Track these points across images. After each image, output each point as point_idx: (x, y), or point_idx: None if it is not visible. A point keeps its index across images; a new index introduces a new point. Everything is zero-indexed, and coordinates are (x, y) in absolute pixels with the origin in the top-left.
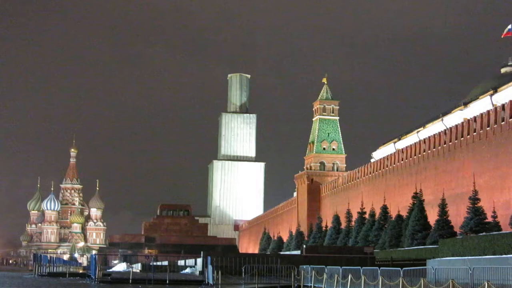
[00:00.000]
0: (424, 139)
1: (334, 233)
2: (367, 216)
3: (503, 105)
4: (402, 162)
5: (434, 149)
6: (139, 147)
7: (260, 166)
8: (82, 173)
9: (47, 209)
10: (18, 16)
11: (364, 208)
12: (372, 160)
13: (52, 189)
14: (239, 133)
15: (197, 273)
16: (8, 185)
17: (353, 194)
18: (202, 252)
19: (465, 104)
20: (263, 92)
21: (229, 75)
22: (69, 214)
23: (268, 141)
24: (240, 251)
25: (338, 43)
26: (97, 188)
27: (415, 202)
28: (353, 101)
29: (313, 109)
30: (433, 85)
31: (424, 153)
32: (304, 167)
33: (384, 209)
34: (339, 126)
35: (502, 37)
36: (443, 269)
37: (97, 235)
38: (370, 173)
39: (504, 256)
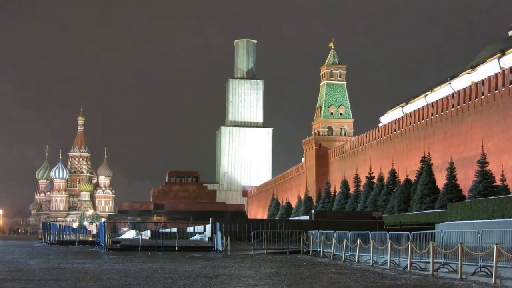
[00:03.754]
0: (432, 103)
1: (342, 198)
2: (375, 180)
3: (510, 68)
4: (410, 126)
5: (442, 113)
6: (147, 114)
7: (268, 132)
8: (90, 141)
9: (56, 178)
10: None
11: (372, 172)
12: (380, 125)
13: (60, 157)
14: (246, 99)
15: (206, 239)
16: (17, 154)
17: (361, 158)
18: (211, 219)
19: (473, 67)
20: (270, 58)
21: (235, 41)
22: (77, 182)
23: (275, 107)
24: (249, 217)
25: (345, 7)
26: (105, 156)
27: (423, 166)
28: (361, 65)
29: (320, 74)
30: (440, 48)
31: (432, 117)
32: (312, 132)
33: (393, 173)
34: (346, 91)
35: None
36: (452, 232)
37: (106, 203)
38: (378, 138)
39: None
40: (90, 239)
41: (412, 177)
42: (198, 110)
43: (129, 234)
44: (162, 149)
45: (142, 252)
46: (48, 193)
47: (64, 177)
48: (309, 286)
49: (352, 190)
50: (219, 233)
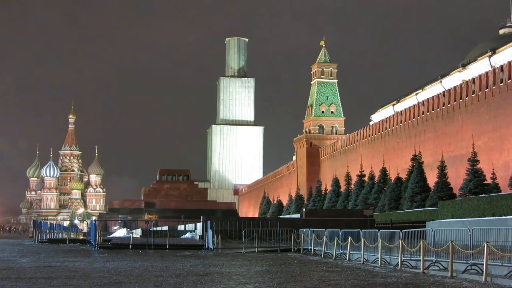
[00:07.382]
0: (423, 101)
1: (333, 196)
2: (366, 179)
3: (501, 67)
4: (401, 124)
5: (433, 111)
6: (138, 113)
7: (259, 130)
8: (81, 139)
9: (47, 176)
10: None
11: (363, 171)
12: (371, 123)
13: (51, 155)
14: (237, 97)
15: (197, 237)
16: (7, 153)
17: (352, 157)
18: (202, 217)
19: (464, 65)
20: (261, 56)
21: (226, 39)
22: (68, 180)
23: (266, 105)
24: (240, 215)
25: (336, 5)
26: (96, 154)
27: (414, 164)
28: (352, 63)
29: (311, 72)
30: (431, 47)
31: (423, 115)
32: (303, 131)
33: (384, 171)
34: (337, 89)
35: None
36: (442, 230)
37: (96, 201)
38: (369, 136)
39: (503, 217)
40: (81, 237)
41: (403, 175)
42: (189, 109)
43: (120, 232)
44: (153, 147)
45: (133, 250)
46: (39, 191)
47: (55, 176)
48: (300, 284)
49: (343, 188)
50: (210, 231)
